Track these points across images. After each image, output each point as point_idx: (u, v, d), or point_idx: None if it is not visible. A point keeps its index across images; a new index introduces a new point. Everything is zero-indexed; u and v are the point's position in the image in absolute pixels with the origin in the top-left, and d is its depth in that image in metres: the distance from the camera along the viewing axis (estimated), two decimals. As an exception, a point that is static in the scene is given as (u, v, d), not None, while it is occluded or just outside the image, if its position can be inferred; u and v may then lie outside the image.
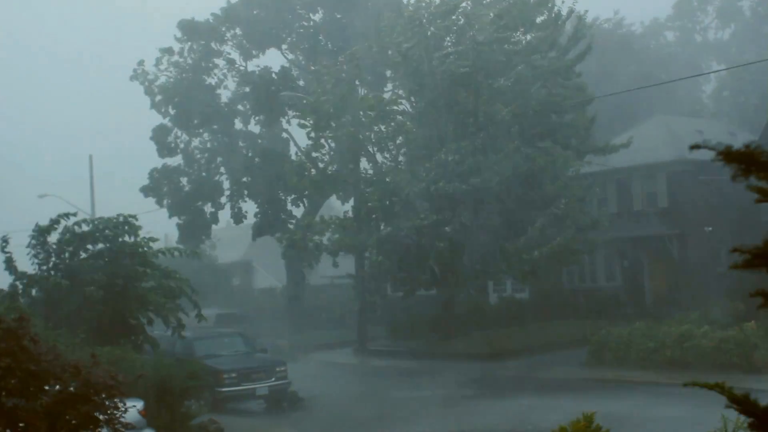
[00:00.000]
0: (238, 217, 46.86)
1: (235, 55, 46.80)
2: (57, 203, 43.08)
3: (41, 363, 9.09)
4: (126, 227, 22.09)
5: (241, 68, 46.65)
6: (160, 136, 46.84)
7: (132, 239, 22.23)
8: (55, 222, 21.98)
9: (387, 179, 34.89)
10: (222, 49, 46.60)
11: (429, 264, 34.70)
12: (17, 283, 21.64)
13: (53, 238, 22.12)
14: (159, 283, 22.06)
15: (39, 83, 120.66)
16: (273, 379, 23.59)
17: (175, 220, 47.44)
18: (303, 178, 36.70)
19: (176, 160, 47.54)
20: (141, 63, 46.64)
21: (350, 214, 36.30)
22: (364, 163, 36.68)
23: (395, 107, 35.27)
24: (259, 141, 46.68)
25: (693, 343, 24.57)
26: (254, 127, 47.51)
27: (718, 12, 58.56)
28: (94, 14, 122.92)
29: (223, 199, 47.43)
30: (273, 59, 46.36)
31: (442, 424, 19.10)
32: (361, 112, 34.60)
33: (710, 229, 36.45)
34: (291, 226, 43.02)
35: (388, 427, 19.58)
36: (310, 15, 46.77)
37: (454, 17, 35.18)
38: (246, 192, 45.74)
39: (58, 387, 9.29)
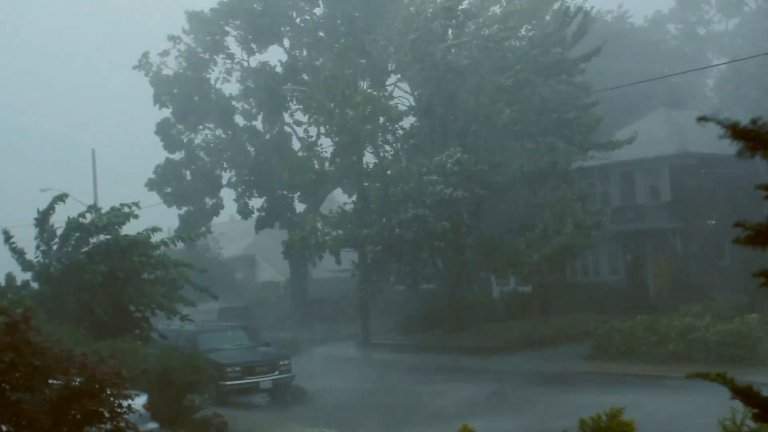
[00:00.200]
0: (245, 211, 46.85)
1: (236, 51, 46.82)
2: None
3: (46, 357, 9.10)
4: (128, 213, 22.16)
5: (244, 63, 46.64)
6: (164, 130, 46.91)
7: (135, 233, 22.32)
8: (53, 203, 22.06)
9: (388, 172, 34.88)
10: (224, 41, 46.47)
11: (431, 258, 34.65)
12: (24, 273, 21.85)
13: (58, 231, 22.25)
14: (156, 277, 22.12)
15: (38, 83, 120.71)
16: (277, 372, 23.58)
17: (178, 213, 47.53)
18: (307, 173, 36.68)
19: (180, 155, 47.59)
20: (146, 54, 46.72)
21: (352, 206, 36.31)
22: (369, 157, 36.68)
23: (391, 102, 35.20)
24: (262, 133, 46.66)
25: (696, 336, 24.56)
26: (257, 122, 47.51)
27: (720, 5, 58.29)
28: (98, 8, 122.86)
29: (223, 192, 47.54)
30: (274, 56, 46.37)
31: (455, 422, 19.02)
32: (360, 107, 34.58)
33: (713, 222, 36.37)
34: (294, 219, 43.02)
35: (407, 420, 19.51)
36: (312, 9, 46.70)
37: (458, 12, 35.11)
38: (249, 185, 45.68)
39: (61, 381, 9.29)
